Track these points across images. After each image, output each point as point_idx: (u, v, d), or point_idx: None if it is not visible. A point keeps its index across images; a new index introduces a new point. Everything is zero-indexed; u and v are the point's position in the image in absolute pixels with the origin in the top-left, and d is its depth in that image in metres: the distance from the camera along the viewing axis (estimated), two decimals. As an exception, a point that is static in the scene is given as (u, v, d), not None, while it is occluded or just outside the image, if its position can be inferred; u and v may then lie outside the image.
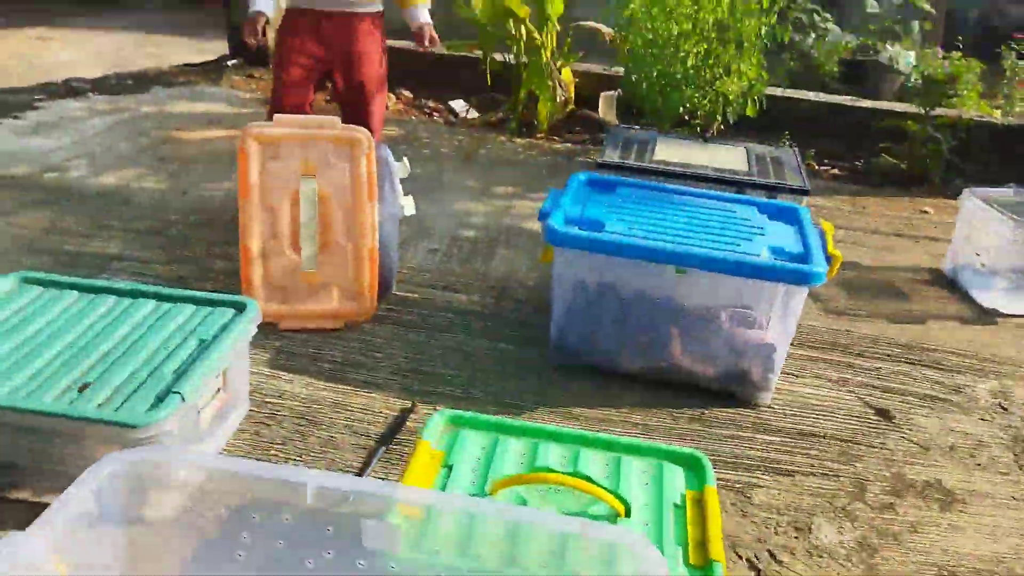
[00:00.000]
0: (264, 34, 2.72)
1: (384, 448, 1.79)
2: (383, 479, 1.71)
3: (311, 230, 2.25)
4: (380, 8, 2.83)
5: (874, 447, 1.94)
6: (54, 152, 3.50)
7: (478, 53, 4.40)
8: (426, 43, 2.85)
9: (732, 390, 2.09)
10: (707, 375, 2.09)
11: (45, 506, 1.11)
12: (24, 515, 1.54)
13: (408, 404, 1.96)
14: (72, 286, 1.87)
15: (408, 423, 1.89)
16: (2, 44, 5.72)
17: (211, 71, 5.08)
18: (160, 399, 1.51)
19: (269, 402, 1.94)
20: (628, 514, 1.35)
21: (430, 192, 3.36)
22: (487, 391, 2.05)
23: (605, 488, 1.37)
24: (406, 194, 2.44)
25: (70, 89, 4.51)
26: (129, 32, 6.44)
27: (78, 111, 4.12)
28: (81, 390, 1.53)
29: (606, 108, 4.63)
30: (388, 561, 1.14)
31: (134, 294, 1.86)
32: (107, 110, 4.17)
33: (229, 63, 5.26)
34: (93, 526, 1.10)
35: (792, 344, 2.36)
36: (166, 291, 1.87)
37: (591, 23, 4.47)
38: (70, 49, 5.69)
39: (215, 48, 5.80)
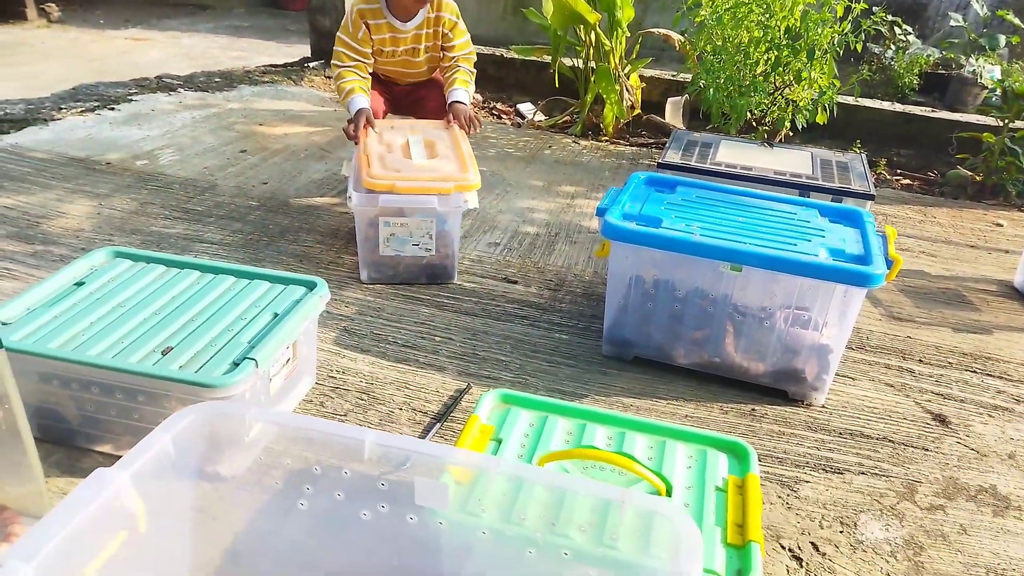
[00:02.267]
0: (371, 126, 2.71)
1: (440, 424, 1.87)
2: (437, 453, 1.79)
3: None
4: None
5: (928, 451, 1.93)
6: (145, 141, 3.72)
7: (547, 58, 4.48)
8: (463, 121, 2.77)
9: (785, 388, 2.10)
10: (759, 372, 2.10)
11: (127, 458, 1.22)
12: (107, 466, 1.68)
13: (464, 385, 2.04)
14: (159, 260, 2.02)
15: (463, 403, 1.97)
16: (102, 44, 6.07)
17: (293, 72, 5.29)
18: (236, 364, 1.62)
19: (334, 377, 2.04)
20: (670, 494, 1.39)
21: (494, 188, 3.45)
22: (540, 377, 2.11)
23: (649, 468, 1.42)
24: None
25: (162, 84, 4.77)
26: (217, 34, 6.76)
27: (169, 105, 4.36)
28: (164, 353, 1.65)
29: (672, 113, 4.64)
30: (437, 518, 1.21)
31: (215, 270, 1.99)
32: (196, 105, 4.40)
33: (310, 64, 5.48)
34: (171, 468, 1.20)
35: (851, 347, 2.35)
36: (244, 269, 1.99)
37: (660, 30, 4.49)
38: (161, 49, 6.01)
39: (297, 51, 6.05)
